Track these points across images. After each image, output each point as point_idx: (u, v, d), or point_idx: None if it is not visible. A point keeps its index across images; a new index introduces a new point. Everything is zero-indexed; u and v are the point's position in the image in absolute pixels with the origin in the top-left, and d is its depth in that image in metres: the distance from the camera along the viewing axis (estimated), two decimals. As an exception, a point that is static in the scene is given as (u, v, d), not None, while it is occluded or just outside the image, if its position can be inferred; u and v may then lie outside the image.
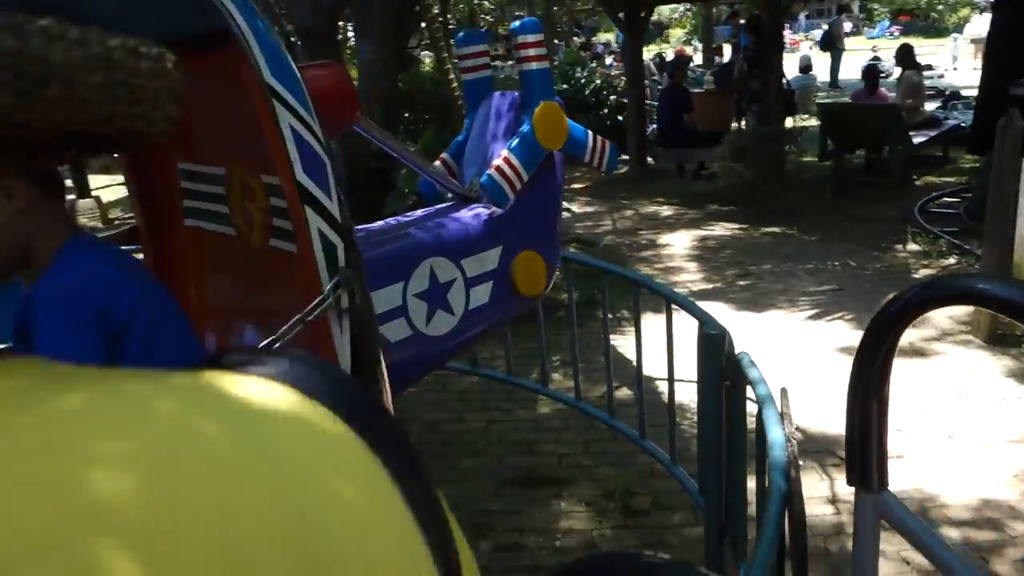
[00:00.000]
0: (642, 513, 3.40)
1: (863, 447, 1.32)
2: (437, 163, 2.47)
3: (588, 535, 3.27)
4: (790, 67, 12.97)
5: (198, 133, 1.90)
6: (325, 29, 7.17)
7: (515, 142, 2.18)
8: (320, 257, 1.50)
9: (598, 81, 11.27)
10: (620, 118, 10.77)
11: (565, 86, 10.65)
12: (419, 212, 2.25)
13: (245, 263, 1.89)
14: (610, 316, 3.92)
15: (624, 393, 4.33)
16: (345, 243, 1.53)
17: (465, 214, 2.15)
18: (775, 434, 1.81)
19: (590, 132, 2.37)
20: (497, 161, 2.18)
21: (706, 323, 2.65)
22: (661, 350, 3.20)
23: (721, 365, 2.47)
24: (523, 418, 4.38)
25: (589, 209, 9.08)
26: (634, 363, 3.51)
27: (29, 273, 1.50)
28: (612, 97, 11.11)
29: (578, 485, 3.63)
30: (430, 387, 4.87)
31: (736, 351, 2.44)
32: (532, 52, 2.18)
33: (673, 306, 2.92)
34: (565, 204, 7.87)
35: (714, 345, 2.49)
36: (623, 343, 4.79)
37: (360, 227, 1.97)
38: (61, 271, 1.47)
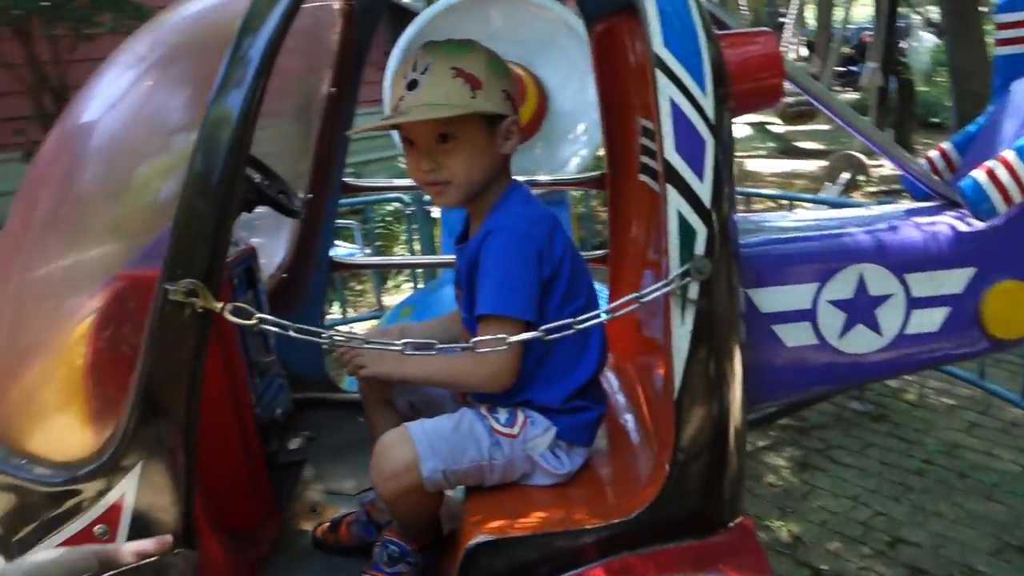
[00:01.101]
0: None
1: None
2: (934, 153, 2.04)
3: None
4: None
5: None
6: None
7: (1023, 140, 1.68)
8: (674, 240, 1.42)
9: None
10: None
11: None
12: (886, 209, 1.92)
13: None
14: None
15: None
16: (709, 230, 1.42)
17: (928, 221, 1.76)
18: None
19: None
20: (991, 162, 1.72)
21: None
22: None
23: None
24: (1079, 478, 3.52)
25: None
26: None
27: (475, 213, 1.73)
28: None
29: (1119, 584, 2.82)
30: (967, 404, 4.20)
31: None
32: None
33: None
34: None
35: None
36: None
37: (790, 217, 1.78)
38: (512, 210, 1.65)
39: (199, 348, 1.40)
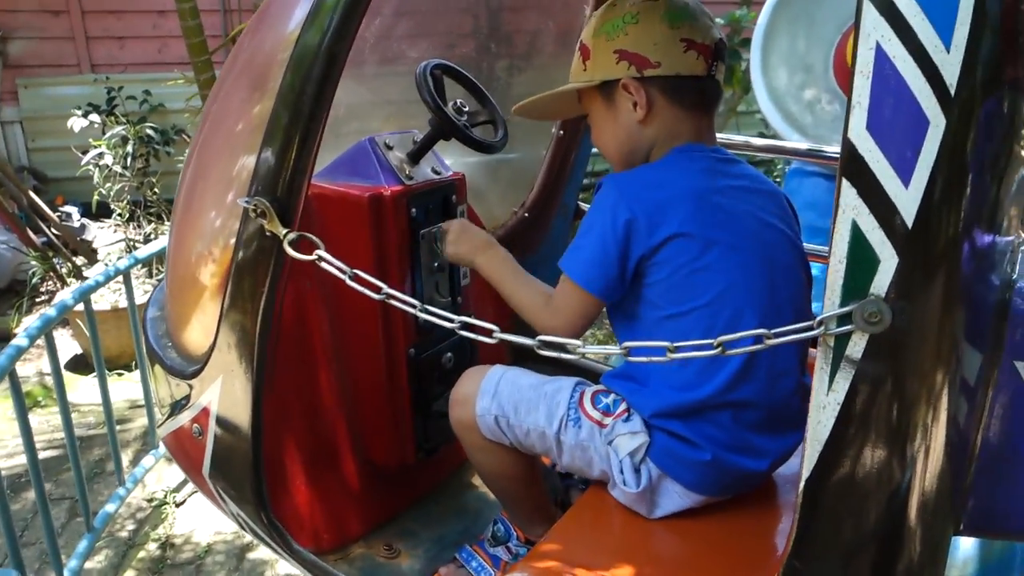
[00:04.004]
0: None
1: None
2: None
3: None
4: None
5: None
6: None
7: None
8: (838, 264, 0.93)
9: None
10: None
11: None
12: None
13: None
14: None
15: None
16: (905, 262, 0.91)
17: None
18: None
19: None
20: None
21: None
22: None
23: None
24: None
25: None
26: None
27: None
28: None
29: None
30: None
31: None
32: None
33: None
34: None
35: None
36: None
37: None
38: (638, 170, 1.41)
39: (273, 274, 1.30)
